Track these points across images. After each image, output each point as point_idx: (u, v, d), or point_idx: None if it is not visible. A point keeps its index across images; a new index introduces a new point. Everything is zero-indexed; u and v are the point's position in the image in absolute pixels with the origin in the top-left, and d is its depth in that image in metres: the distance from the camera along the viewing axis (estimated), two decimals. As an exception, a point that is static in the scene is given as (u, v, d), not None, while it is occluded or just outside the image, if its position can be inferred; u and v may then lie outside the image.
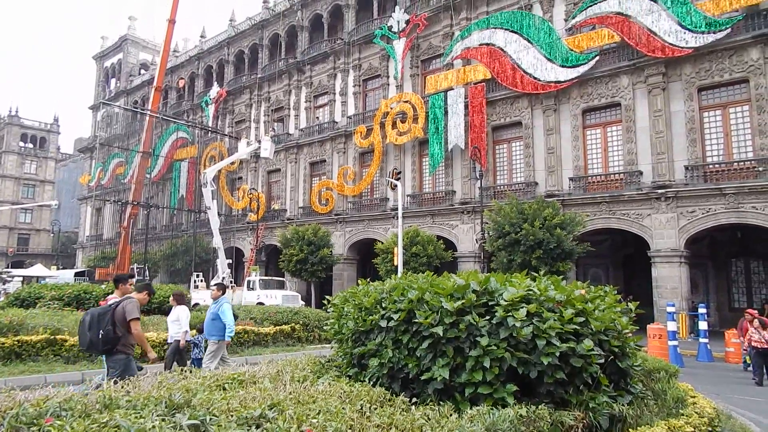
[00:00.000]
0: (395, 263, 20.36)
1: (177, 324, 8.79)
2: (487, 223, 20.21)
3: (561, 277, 5.64)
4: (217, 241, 28.38)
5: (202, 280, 29.97)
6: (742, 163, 18.05)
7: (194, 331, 9.35)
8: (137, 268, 34.52)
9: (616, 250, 23.42)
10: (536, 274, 5.04)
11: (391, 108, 27.45)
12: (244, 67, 39.33)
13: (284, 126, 35.02)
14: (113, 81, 55.34)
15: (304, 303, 24.79)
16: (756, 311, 12.23)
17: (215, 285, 9.30)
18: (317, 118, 33.18)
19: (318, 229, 27.16)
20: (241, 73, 39.35)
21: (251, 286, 25.23)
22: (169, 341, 9.04)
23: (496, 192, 23.48)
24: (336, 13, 33.01)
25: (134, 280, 7.76)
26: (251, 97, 37.60)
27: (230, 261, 29.76)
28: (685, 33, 18.74)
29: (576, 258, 18.78)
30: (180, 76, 44.77)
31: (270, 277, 27.82)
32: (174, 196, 41.27)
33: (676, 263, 18.53)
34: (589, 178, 21.34)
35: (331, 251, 27.24)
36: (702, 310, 15.30)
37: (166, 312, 15.54)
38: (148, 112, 36.99)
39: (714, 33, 18.24)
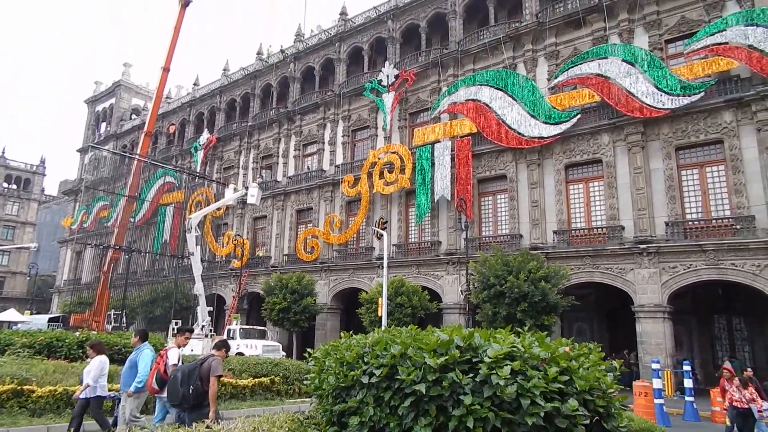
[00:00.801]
0: (379, 314, 20.08)
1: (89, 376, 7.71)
2: (472, 274, 20.19)
3: (546, 333, 5.60)
4: (198, 288, 27.78)
5: (181, 328, 29.12)
6: (721, 220, 18.48)
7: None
8: (114, 314, 33.53)
9: (600, 304, 23.44)
10: (521, 330, 4.99)
11: (379, 158, 27.89)
12: (235, 115, 39.98)
13: (272, 173, 35.27)
14: (104, 125, 55.69)
15: (285, 354, 24.14)
16: (731, 366, 12.06)
17: (135, 332, 8.23)
18: (306, 166, 33.53)
19: (302, 278, 26.85)
20: (232, 121, 39.95)
21: (231, 335, 24.59)
22: (81, 396, 7.76)
23: (481, 243, 23.60)
24: (327, 66, 34.05)
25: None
26: (241, 144, 38.02)
27: (211, 308, 29.07)
28: (661, 95, 19.60)
29: (561, 311, 18.71)
30: (171, 122, 45.27)
31: (251, 326, 27.19)
32: (157, 241, 40.77)
33: (660, 319, 18.55)
34: (573, 231, 21.62)
35: (314, 300, 26.83)
36: (687, 368, 15.20)
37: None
38: (137, 156, 37.04)
39: (689, 96, 19.11)
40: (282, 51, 37.10)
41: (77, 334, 15.52)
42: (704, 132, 19.24)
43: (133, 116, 53.27)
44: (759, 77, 18.03)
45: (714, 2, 19.92)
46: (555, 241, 21.73)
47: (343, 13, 33.93)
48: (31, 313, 46.34)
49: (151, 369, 7.30)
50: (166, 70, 37.43)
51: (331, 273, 29.28)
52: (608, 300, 22.30)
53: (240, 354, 21.47)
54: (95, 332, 21.73)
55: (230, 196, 31.43)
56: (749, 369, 13.26)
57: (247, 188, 30.73)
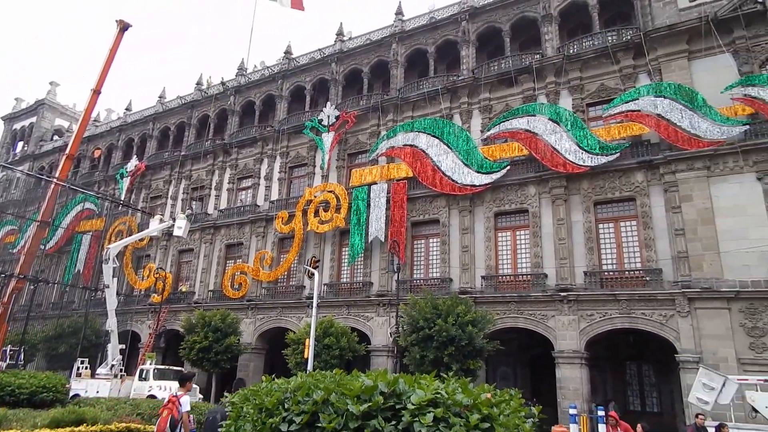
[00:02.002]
0: (306, 355, 19.49)
1: None
2: (401, 317, 20.20)
3: (471, 378, 5.65)
4: (111, 323, 25.96)
5: (87, 368, 26.70)
6: (633, 272, 19.80)
7: None
8: (10, 350, 30.29)
9: (524, 349, 24.08)
10: (445, 375, 4.99)
11: (315, 196, 27.78)
12: (168, 144, 38.65)
13: (203, 205, 34.12)
14: (21, 144, 51.93)
15: (202, 397, 22.72)
16: (616, 413, 12.62)
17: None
18: (239, 200, 32.74)
19: (227, 315, 25.69)
20: (164, 149, 38.56)
21: (144, 376, 22.91)
22: None
23: (412, 286, 23.79)
24: (268, 102, 33.99)
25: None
26: (171, 173, 36.65)
27: (123, 346, 27.08)
28: (582, 153, 21.11)
29: (486, 356, 19.05)
30: (97, 146, 43.00)
31: (167, 367, 25.47)
32: (69, 271, 37.77)
33: (577, 365, 19.31)
34: (500, 277, 22.33)
35: (238, 339, 25.65)
36: (601, 413, 15.79)
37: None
38: (54, 180, 34.65)
39: (606, 156, 20.72)
40: (223, 83, 36.70)
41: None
42: (619, 189, 20.82)
43: (55, 137, 50.11)
44: (666, 143, 19.90)
45: (629, 73, 22.02)
46: (483, 286, 22.31)
47: (288, 52, 34.27)
48: None
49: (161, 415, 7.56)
50: (96, 92, 35.72)
51: (258, 311, 28.28)
52: (531, 345, 22.98)
53: (152, 396, 19.98)
54: (-15, 370, 19.51)
55: (155, 226, 30.04)
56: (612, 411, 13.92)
57: (174, 219, 29.53)
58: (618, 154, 20.57)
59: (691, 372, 16.62)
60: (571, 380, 19.24)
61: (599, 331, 19.47)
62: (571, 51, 23.48)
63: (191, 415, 6.17)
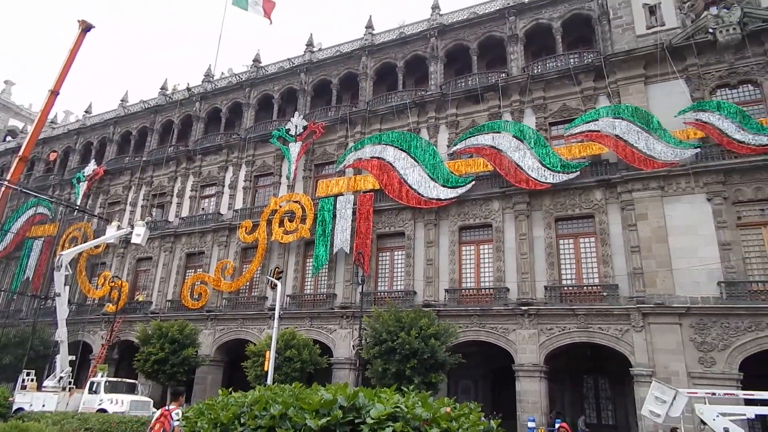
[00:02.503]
0: (266, 368, 19.10)
1: None
2: (365, 329, 20.09)
3: (431, 391, 5.65)
4: (61, 333, 24.83)
5: (33, 380, 25.34)
6: (591, 287, 20.35)
7: None
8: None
9: (485, 362, 24.30)
10: (406, 389, 4.97)
11: (281, 206, 27.48)
12: (129, 148, 37.55)
13: (164, 213, 33.21)
14: (-31, 143, 49.47)
15: (156, 410, 21.90)
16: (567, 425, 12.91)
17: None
18: (202, 208, 32.04)
19: (185, 326, 24.95)
20: (125, 154, 37.46)
21: (94, 389, 21.91)
22: None
23: (376, 298, 23.72)
24: (235, 110, 33.55)
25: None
26: (132, 179, 35.59)
27: (73, 357, 25.90)
28: (545, 171, 21.67)
29: (448, 369, 19.12)
30: (53, 149, 41.40)
31: (119, 379, 24.48)
32: (17, 278, 36.00)
33: (536, 378, 19.60)
34: (463, 290, 22.54)
35: (196, 351, 24.94)
36: (558, 425, 16.03)
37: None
38: (5, 182, 33.12)
39: (567, 174, 21.33)
40: (189, 89, 36.07)
41: None
42: (579, 207, 21.43)
43: (8, 138, 48.02)
44: (623, 163, 20.65)
45: (590, 95, 22.82)
46: (446, 299, 22.46)
47: (256, 60, 34.01)
48: None
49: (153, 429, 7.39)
50: (54, 93, 34.58)
51: (218, 322, 27.61)
52: (492, 359, 23.22)
53: (102, 410, 19.17)
54: None
55: (112, 233, 29.07)
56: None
57: (133, 227, 28.63)
58: (578, 173, 21.21)
59: (645, 385, 17.11)
60: (531, 393, 19.49)
61: (558, 344, 19.85)
62: (536, 71, 24.18)
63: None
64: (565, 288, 20.75)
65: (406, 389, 4.87)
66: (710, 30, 20.51)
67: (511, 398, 20.15)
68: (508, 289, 21.39)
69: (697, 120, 19.71)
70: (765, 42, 19.92)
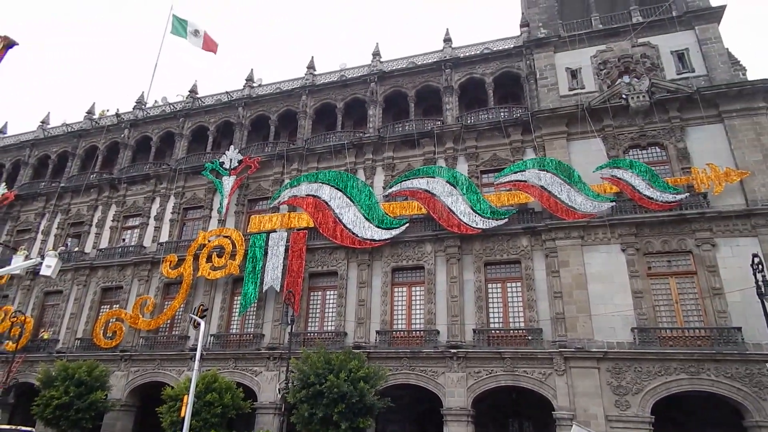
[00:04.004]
0: (183, 414, 17.84)
1: None
2: (293, 371, 19.39)
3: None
4: (-54, 375, 22.04)
5: None
6: (517, 331, 20.92)
7: None
8: None
9: (413, 406, 24.03)
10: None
11: (209, 241, 26.51)
12: (46, 173, 35.13)
13: (80, 243, 31.01)
14: None
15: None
16: None
17: None
18: (123, 239, 30.23)
19: (95, 367, 22.94)
20: (41, 179, 34.98)
21: (-19, 438, 19.48)
22: None
23: (306, 339, 23.10)
24: (167, 139, 32.49)
25: None
26: (46, 206, 33.14)
27: (-41, 402, 23.03)
28: (476, 216, 22.46)
29: (377, 413, 18.72)
30: (-44, 168, 37.90)
31: (12, 426, 21.95)
32: None
33: (464, 422, 19.61)
34: (395, 332, 22.44)
35: (106, 395, 22.94)
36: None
37: None
38: None
39: (496, 220, 22.21)
40: (118, 115, 34.64)
41: None
42: (507, 252, 22.26)
43: None
44: (547, 212, 21.84)
45: (518, 147, 24.18)
46: (377, 341, 22.24)
47: (193, 91, 33.41)
48: None
49: None
50: (-36, 108, 31.97)
51: (133, 363, 25.67)
52: (420, 402, 23.03)
53: (-12, 464, 17.01)
54: None
55: (18, 264, 26.48)
56: None
57: (43, 257, 26.41)
58: (506, 219, 22.16)
59: (566, 428, 17.59)
60: (458, 438, 19.40)
61: (485, 388, 20.06)
62: (469, 121, 25.40)
63: None
64: (493, 331, 21.20)
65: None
66: (623, 96, 22.58)
67: (439, 443, 19.94)
68: (438, 332, 21.54)
69: (612, 176, 21.35)
70: (669, 110, 22.16)
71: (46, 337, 28.39)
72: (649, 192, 20.51)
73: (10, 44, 33.44)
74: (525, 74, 25.69)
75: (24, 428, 22.03)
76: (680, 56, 23.23)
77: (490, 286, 22.27)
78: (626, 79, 23.23)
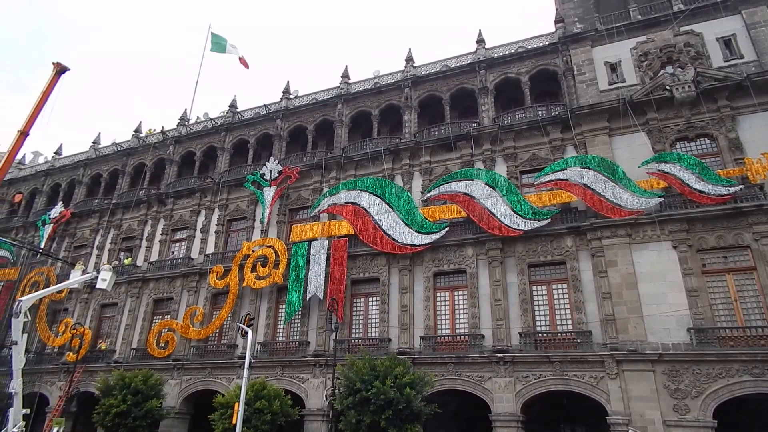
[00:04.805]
0: (234, 421, 18.28)
1: None
2: (338, 378, 19.55)
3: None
4: (15, 385, 23.33)
5: (-19, 437, 23.66)
6: (564, 334, 20.40)
7: None
8: None
9: (460, 412, 23.78)
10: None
11: (253, 251, 27.12)
12: (98, 191, 36.88)
13: (133, 257, 32.33)
14: (-71, 184, 47.80)
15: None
16: None
17: None
18: (172, 252, 31.34)
19: (150, 376, 23.86)
20: (94, 196, 36.74)
21: (48, 446, 20.52)
22: None
23: (350, 346, 23.25)
24: (210, 154, 33.53)
25: None
26: (100, 222, 34.77)
27: (28, 411, 24.30)
28: (517, 217, 22.10)
29: (424, 420, 18.62)
30: (19, 190, 40.39)
31: (77, 434, 23.04)
32: (-29, 325, 34.10)
33: (514, 428, 19.25)
34: (439, 338, 22.30)
35: (161, 403, 23.77)
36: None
37: None
38: (-35, 224, 31.95)
39: (538, 221, 21.78)
40: (163, 132, 36.02)
41: None
42: (551, 253, 21.78)
43: (-29, 178, 46.60)
44: (592, 211, 21.24)
45: (557, 145, 23.67)
46: (421, 346, 22.16)
47: (233, 106, 34.38)
48: None
49: None
50: (24, 134, 34.00)
51: (186, 372, 26.50)
52: (467, 408, 22.76)
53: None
54: None
55: (76, 278, 28.07)
56: None
57: (98, 271, 27.70)
58: (549, 220, 21.69)
59: (621, 434, 16.99)
60: (508, 444, 19.06)
61: (534, 393, 19.64)
62: (506, 122, 25.06)
63: None
64: (540, 335, 20.76)
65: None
66: (667, 87, 21.76)
67: (488, 449, 19.64)
68: (483, 336, 21.27)
69: (659, 170, 20.57)
70: (718, 99, 21.19)
71: (103, 347, 29.70)
72: (699, 185, 19.64)
73: (62, 70, 35.57)
74: (562, 71, 25.17)
75: (86, 436, 23.05)
76: (727, 43, 22.22)
77: (534, 288, 21.84)
78: (669, 69, 22.38)
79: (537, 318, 21.22)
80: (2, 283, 34.50)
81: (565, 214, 22.15)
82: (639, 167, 21.00)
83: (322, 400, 22.36)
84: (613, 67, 23.86)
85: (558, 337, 20.43)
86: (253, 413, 19.52)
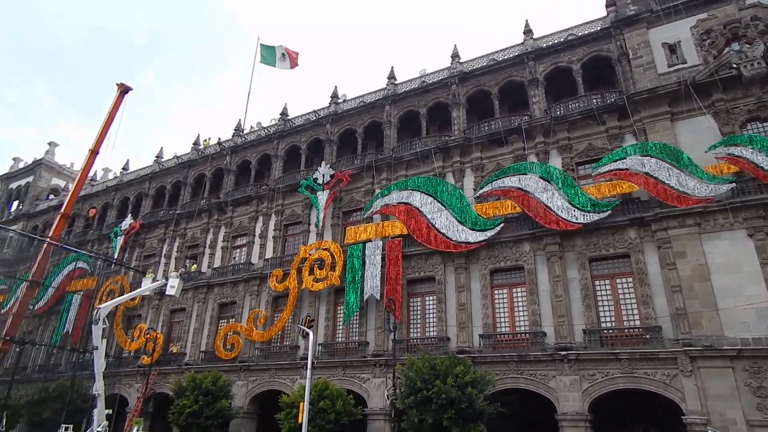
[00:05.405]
0: (300, 420, 18.79)
1: None
2: (399, 377, 19.68)
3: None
4: (98, 387, 25.06)
5: (70, 435, 25.51)
6: (632, 330, 19.58)
7: None
8: (-8, 416, 29.05)
9: (523, 411, 23.32)
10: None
11: (310, 254, 27.73)
12: (163, 202, 38.86)
13: (197, 264, 33.87)
14: (15, 203, 52.03)
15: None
16: None
17: None
18: (233, 258, 32.58)
19: (218, 377, 24.95)
20: (159, 208, 38.73)
21: (130, 444, 21.87)
22: None
23: (409, 345, 23.33)
24: (264, 161, 34.57)
25: None
26: (166, 232, 36.63)
27: (110, 411, 26.02)
28: (575, 211, 21.42)
29: (487, 419, 18.42)
30: (92, 205, 43.17)
31: (155, 433, 24.43)
32: (57, 332, 36.86)
33: (582, 427, 18.69)
34: (498, 336, 21.98)
35: (230, 403, 24.80)
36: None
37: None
38: (47, 239, 34.53)
39: (598, 213, 21.02)
40: (219, 143, 37.47)
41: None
42: (613, 246, 20.96)
43: (51, 196, 50.34)
44: (656, 200, 20.27)
45: (615, 134, 22.75)
46: (481, 345, 21.93)
47: (284, 114, 35.28)
48: None
49: None
50: (94, 152, 36.49)
51: (251, 373, 27.48)
52: (530, 407, 22.29)
53: (138, 467, 19.05)
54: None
55: (147, 286, 29.73)
56: None
57: (167, 278, 29.22)
58: (609, 212, 20.89)
59: (698, 434, 16.13)
60: (576, 444, 18.52)
61: (602, 391, 18.97)
62: (558, 113, 24.35)
63: None
64: (605, 331, 20.03)
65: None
66: (734, 65, 20.42)
67: (554, 449, 19.17)
68: (545, 334, 20.78)
69: (729, 154, 19.35)
70: (793, 74, 19.68)
71: (175, 351, 31.29)
72: (775, 168, 18.31)
73: (126, 90, 37.71)
74: (616, 56, 24.16)
75: (163, 435, 24.39)
76: (801, 12, 20.61)
77: (597, 283, 21.10)
78: (735, 46, 21.01)
79: (601, 314, 20.49)
80: (82, 293, 37.03)
81: (627, 205, 21.26)
82: (706, 152, 19.83)
83: (384, 400, 22.57)
84: (672, 48, 22.66)
85: (625, 333, 19.64)
86: (317, 413, 19.99)
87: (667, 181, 19.95)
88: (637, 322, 19.65)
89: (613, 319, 20.32)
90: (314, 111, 33.62)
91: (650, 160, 20.58)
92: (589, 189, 21.71)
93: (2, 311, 39.77)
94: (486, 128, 26.34)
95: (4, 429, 29.24)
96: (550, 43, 26.42)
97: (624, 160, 21.29)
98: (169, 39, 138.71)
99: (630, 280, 20.46)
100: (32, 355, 38.31)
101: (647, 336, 18.95)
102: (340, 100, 33.08)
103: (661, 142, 20.84)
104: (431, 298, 24.42)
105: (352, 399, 21.54)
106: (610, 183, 21.41)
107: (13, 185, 52.66)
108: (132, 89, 37.52)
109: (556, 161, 23.72)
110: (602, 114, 23.09)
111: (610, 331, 19.98)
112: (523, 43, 27.29)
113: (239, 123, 37.87)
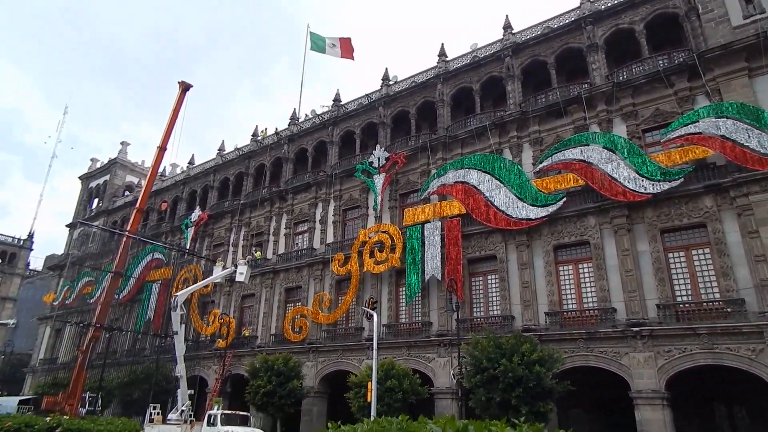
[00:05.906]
0: (368, 399, 19.28)
1: None
2: (464, 357, 19.69)
3: (543, 424, 5.41)
4: (180, 369, 26.80)
5: (158, 413, 27.57)
6: (711, 303, 18.50)
7: None
8: (90, 396, 31.85)
9: (596, 389, 22.73)
10: (516, 421, 4.82)
11: (369, 237, 28.07)
12: (227, 193, 40.53)
13: (262, 251, 35.19)
14: (96, 201, 56.05)
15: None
16: None
17: None
18: (296, 244, 33.58)
19: (289, 359, 25.99)
20: (224, 199, 40.43)
21: (212, 421, 23.26)
22: None
23: (472, 325, 23.26)
24: (320, 148, 35.15)
25: None
26: (232, 221, 38.24)
27: (192, 391, 27.81)
28: (643, 180, 20.34)
29: (556, 397, 18.11)
30: (163, 199, 45.68)
31: (233, 411, 25.81)
32: (141, 319, 39.67)
33: (659, 406, 17.98)
34: (565, 313, 21.45)
35: (301, 383, 25.83)
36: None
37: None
38: (126, 233, 36.95)
39: (669, 182, 19.84)
40: (277, 133, 38.44)
41: (48, 419, 14.61)
42: (687, 216, 19.78)
43: (126, 193, 53.80)
44: (734, 165, 18.86)
45: (685, 96, 21.28)
46: (547, 323, 21.49)
47: (336, 100, 35.60)
48: (2, 395, 43.87)
49: None
50: (162, 149, 38.39)
51: (319, 354, 28.41)
52: (603, 385, 21.70)
53: (221, 443, 20.29)
54: (67, 417, 20.53)
55: (218, 273, 31.22)
56: None
57: (236, 266, 30.58)
58: (682, 180, 19.68)
59: (789, 412, 15.11)
60: (654, 423, 17.87)
61: (680, 368, 18.12)
62: (621, 78, 23.06)
63: None
64: (681, 305, 19.05)
65: (516, 421, 4.73)
66: (824, 9, 18.47)
67: (630, 428, 18.60)
68: (615, 310, 20.05)
69: (819, 109, 17.63)
70: None
71: (247, 334, 32.85)
72: None
73: (187, 87, 39.24)
74: (684, 12, 22.46)
75: (242, 413, 25.74)
76: None
77: (670, 255, 20.04)
78: (825, -12, 18.97)
79: (676, 287, 19.48)
80: (160, 282, 39.53)
81: (701, 171, 19.91)
82: (791, 109, 18.17)
83: (450, 379, 22.70)
84: (749, -2, 20.77)
85: (703, 307, 18.59)
86: (385, 392, 20.42)
87: (746, 143, 18.48)
88: (717, 295, 18.52)
89: (689, 292, 19.26)
90: (366, 95, 33.69)
91: (726, 122, 19.12)
92: (659, 156, 20.51)
93: (91, 300, 43.28)
94: (543, 100, 25.41)
95: (100, 408, 31.99)
96: (610, 4, 24.93)
97: (696, 124, 19.90)
98: (222, 35, 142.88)
99: (707, 251, 19.27)
100: (120, 341, 41.49)
101: (728, 309, 17.83)
102: (391, 82, 32.93)
103: (739, 102, 19.28)
104: (493, 276, 24.13)
105: (418, 378, 21.81)
106: (681, 149, 20.11)
107: (93, 184, 56.68)
108: (192, 86, 39.04)
109: (620, 129, 22.55)
110: (670, 76, 21.63)
111: (687, 305, 18.98)
112: (579, 7, 25.94)
113: (294, 112, 38.66)
